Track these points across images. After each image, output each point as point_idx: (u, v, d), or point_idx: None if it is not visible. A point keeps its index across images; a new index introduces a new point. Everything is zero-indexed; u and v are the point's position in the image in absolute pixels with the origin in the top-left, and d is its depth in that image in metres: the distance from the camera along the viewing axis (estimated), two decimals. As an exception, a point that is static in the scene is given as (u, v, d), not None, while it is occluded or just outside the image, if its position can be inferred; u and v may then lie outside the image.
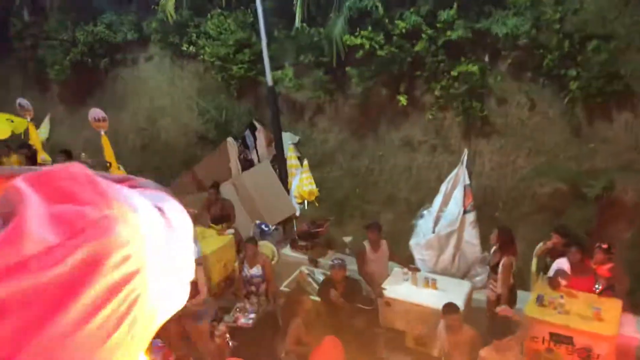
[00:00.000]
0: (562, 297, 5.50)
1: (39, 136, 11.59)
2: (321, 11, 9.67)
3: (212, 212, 8.99)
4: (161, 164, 11.77)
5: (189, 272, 0.62)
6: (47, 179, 0.50)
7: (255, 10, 10.56)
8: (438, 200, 7.99)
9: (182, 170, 10.87)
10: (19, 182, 0.49)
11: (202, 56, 11.59)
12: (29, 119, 10.72)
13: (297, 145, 10.84)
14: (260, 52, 10.76)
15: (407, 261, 7.31)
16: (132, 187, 0.61)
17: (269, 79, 9.68)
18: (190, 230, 0.62)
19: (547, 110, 8.23)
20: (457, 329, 5.45)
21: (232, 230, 9.10)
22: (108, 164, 9.61)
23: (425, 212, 8.31)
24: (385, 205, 9.43)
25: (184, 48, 11.50)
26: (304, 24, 9.23)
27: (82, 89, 13.60)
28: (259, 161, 11.12)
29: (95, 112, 9.54)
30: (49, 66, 13.00)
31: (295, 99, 10.83)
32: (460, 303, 5.85)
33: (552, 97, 8.17)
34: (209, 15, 10.97)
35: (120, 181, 0.60)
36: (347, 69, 9.42)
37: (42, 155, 10.76)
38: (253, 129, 10.88)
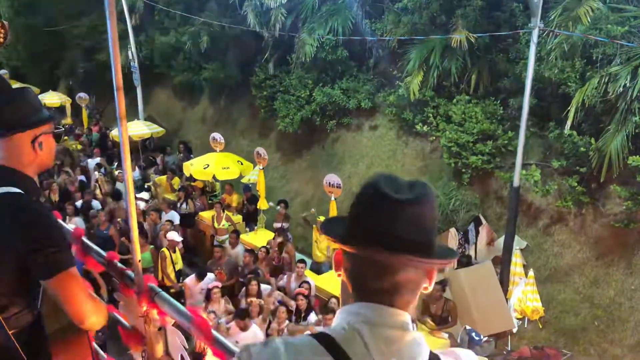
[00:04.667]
0: None
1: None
2: (591, 118, 8.80)
3: (432, 310, 8.38)
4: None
5: None
6: None
7: (510, 104, 10.09)
8: None
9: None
10: None
11: (432, 137, 11.34)
12: (261, 167, 11.23)
13: (522, 252, 9.88)
14: (502, 146, 10.20)
15: None
16: None
17: (516, 179, 9.01)
18: None
19: None
20: None
21: (446, 335, 8.41)
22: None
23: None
24: (633, 350, 8.00)
25: (418, 127, 11.33)
26: (574, 132, 8.42)
27: (302, 144, 14.17)
28: (475, 258, 10.35)
29: (332, 178, 9.66)
30: (279, 118, 13.75)
31: (532, 201, 9.95)
32: None
33: None
34: (454, 100, 10.70)
35: None
36: (614, 186, 8.35)
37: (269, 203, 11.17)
38: (478, 224, 10.19)
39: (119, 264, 2.25)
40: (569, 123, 8.34)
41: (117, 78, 1.79)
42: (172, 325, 2.08)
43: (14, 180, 1.76)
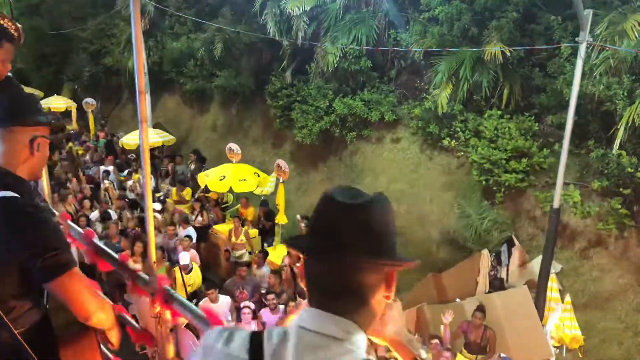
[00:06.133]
0: None
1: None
2: (635, 137, 8.40)
3: (470, 338, 7.88)
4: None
5: None
6: None
7: (546, 121, 9.69)
8: None
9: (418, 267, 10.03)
10: None
11: (460, 152, 10.90)
12: (281, 180, 10.74)
13: (557, 276, 9.42)
14: (535, 165, 9.79)
15: None
16: None
17: (556, 200, 8.55)
18: None
19: None
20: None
21: (484, 363, 7.92)
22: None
23: None
24: (684, 386, 7.54)
25: (445, 141, 10.89)
26: (623, 152, 8.01)
27: (319, 155, 13.70)
28: (507, 281, 9.89)
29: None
30: (297, 128, 13.28)
31: (567, 222, 9.50)
32: None
33: None
34: (486, 114, 10.28)
35: None
36: (663, 210, 7.94)
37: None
38: (510, 245, 9.74)
39: (132, 265, 2.28)
40: (617, 142, 7.93)
41: (140, 82, 1.84)
42: (184, 326, 2.12)
43: (8, 183, 1.76)
